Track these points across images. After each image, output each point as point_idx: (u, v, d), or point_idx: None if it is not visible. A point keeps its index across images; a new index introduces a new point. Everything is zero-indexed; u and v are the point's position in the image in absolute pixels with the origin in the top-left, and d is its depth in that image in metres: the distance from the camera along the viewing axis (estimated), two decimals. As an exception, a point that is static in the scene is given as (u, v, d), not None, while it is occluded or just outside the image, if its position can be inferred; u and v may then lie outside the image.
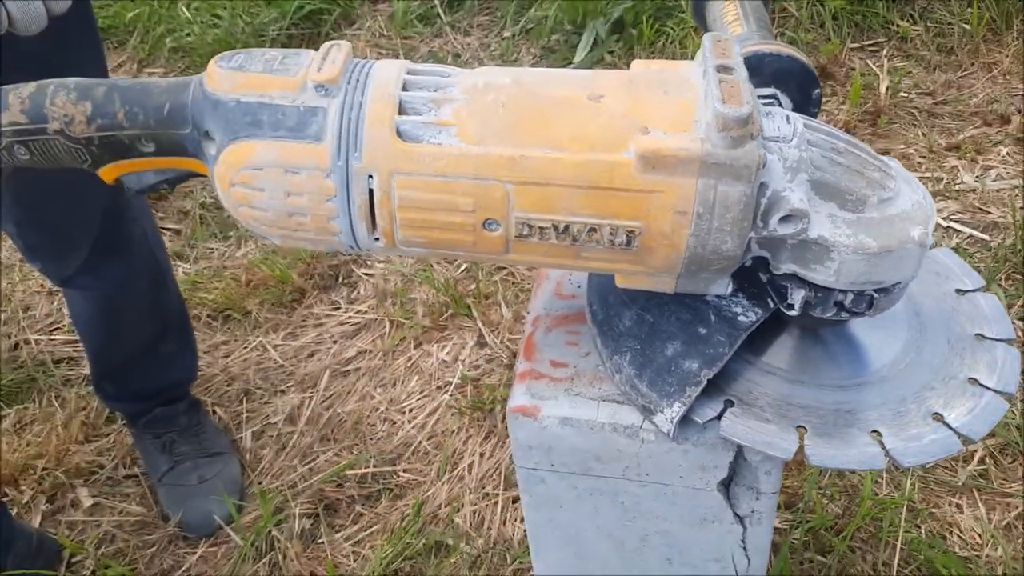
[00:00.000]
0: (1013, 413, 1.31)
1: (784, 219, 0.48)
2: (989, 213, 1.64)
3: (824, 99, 1.92)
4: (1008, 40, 1.95)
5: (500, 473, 1.31)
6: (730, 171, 0.46)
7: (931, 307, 0.59)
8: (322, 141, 0.48)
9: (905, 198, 0.50)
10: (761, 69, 0.56)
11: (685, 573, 0.62)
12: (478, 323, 1.55)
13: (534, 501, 0.61)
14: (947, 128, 1.82)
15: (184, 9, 2.48)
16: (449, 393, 1.45)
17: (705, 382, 0.51)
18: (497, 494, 1.27)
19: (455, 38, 2.30)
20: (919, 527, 1.18)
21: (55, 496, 1.39)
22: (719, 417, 0.52)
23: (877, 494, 1.20)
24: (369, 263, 1.73)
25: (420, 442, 1.38)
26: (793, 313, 0.52)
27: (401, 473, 1.34)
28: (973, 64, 1.94)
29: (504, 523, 1.24)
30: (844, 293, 0.51)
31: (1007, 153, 1.74)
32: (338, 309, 1.64)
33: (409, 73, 0.50)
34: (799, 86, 0.56)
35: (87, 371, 1.55)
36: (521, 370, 0.58)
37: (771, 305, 0.53)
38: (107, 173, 0.54)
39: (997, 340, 0.56)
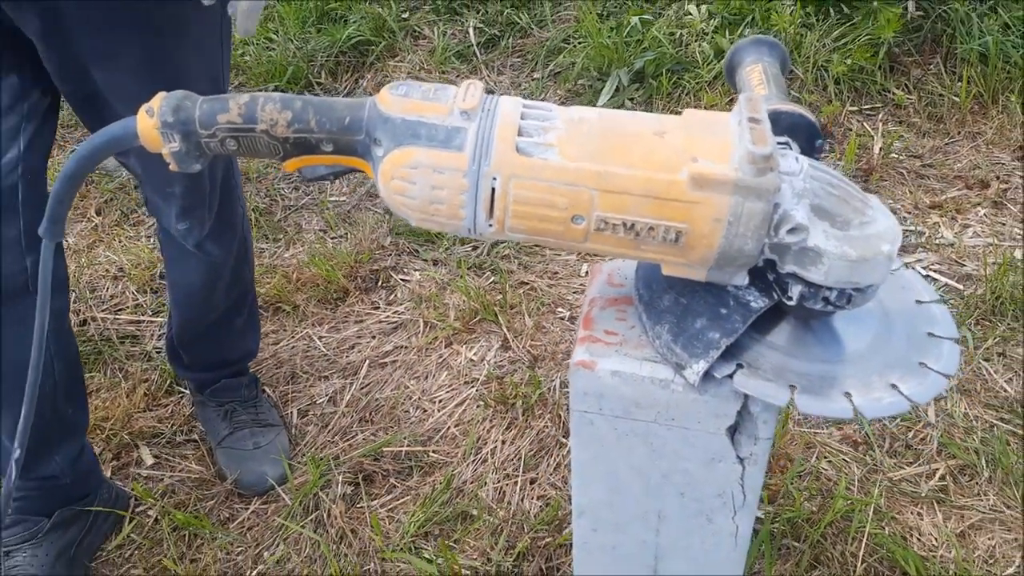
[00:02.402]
0: (973, 438, 1.49)
1: (790, 231, 0.66)
2: (964, 266, 1.84)
3: (824, 152, 2.12)
4: (993, 114, 2.16)
5: (520, 458, 1.48)
6: (755, 192, 0.64)
7: (896, 311, 0.78)
8: (463, 151, 0.66)
9: (880, 223, 0.69)
10: (778, 122, 0.74)
11: (695, 505, 0.80)
12: (503, 329, 1.73)
13: (582, 441, 0.79)
14: (932, 188, 2.02)
15: (241, 29, 2.69)
16: (475, 388, 1.63)
17: (724, 348, 0.69)
18: (517, 475, 1.45)
19: (488, 76, 2.51)
20: (884, 528, 1.35)
21: (120, 454, 1.56)
22: (732, 376, 0.70)
23: (849, 498, 1.38)
24: (407, 271, 1.91)
25: (449, 428, 1.56)
26: (791, 303, 0.71)
27: (431, 453, 1.52)
28: (960, 133, 2.15)
29: (523, 500, 1.41)
30: (830, 290, 0.69)
31: (984, 214, 1.94)
32: (377, 308, 1.82)
33: (524, 107, 0.69)
34: (806, 137, 0.75)
35: (150, 347, 1.73)
36: (581, 336, 0.77)
37: (775, 297, 0.72)
38: (291, 165, 0.72)
39: (944, 338, 0.75)
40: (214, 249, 1.32)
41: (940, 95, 2.22)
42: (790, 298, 0.71)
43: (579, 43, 2.45)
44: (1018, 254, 1.81)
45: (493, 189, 0.67)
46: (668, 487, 0.80)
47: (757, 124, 0.66)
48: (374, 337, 1.76)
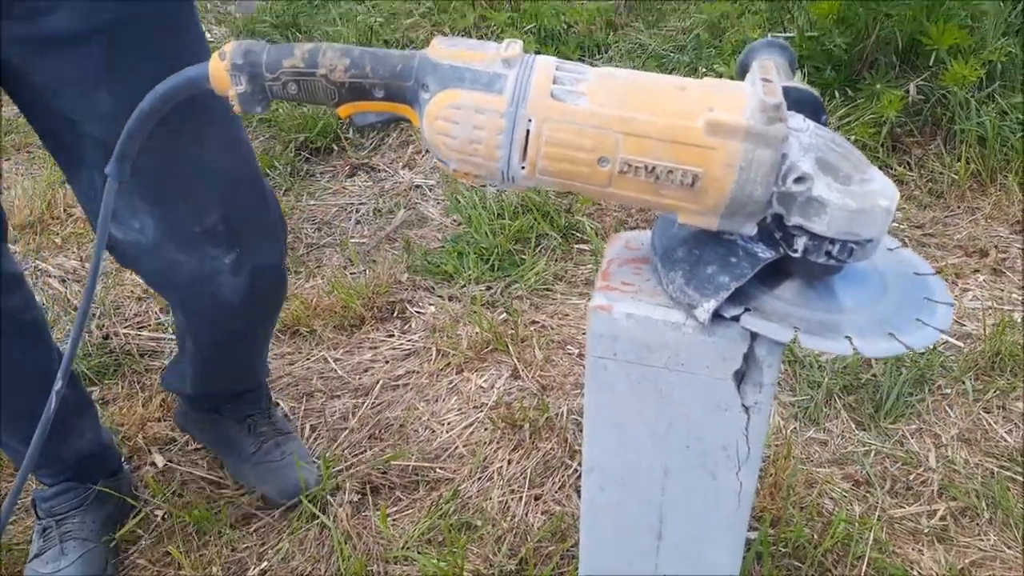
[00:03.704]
0: (973, 483, 1.51)
1: (797, 180, 0.73)
2: (964, 326, 1.89)
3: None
4: (991, 191, 2.26)
5: (526, 477, 1.50)
6: (764, 140, 0.71)
7: (894, 280, 0.83)
8: (503, 94, 0.74)
9: (878, 182, 0.76)
10: (787, 97, 0.82)
11: (699, 459, 0.84)
12: (514, 359, 1.77)
13: (595, 387, 0.83)
14: (932, 255, 2.10)
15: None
16: (484, 412, 1.66)
17: (732, 289, 0.75)
18: (522, 491, 1.47)
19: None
20: (885, 556, 1.36)
21: (132, 458, 1.58)
22: (739, 317, 0.75)
23: (850, 520, 1.40)
24: (422, 305, 1.97)
25: (456, 447, 1.59)
26: (796, 255, 0.76)
27: (438, 469, 1.54)
28: (959, 207, 2.24)
29: (527, 514, 1.43)
30: (832, 243, 0.75)
31: (983, 280, 2.01)
32: (392, 336, 1.87)
33: (559, 63, 0.77)
34: (812, 112, 0.83)
35: (169, 361, 1.78)
36: (599, 285, 0.82)
37: (781, 251, 0.78)
38: (344, 110, 0.80)
39: (939, 303, 0.80)
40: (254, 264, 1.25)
41: (940, 173, 2.32)
42: (795, 250, 0.76)
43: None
44: (1017, 316, 1.86)
45: (528, 131, 0.75)
46: (674, 438, 0.84)
47: (768, 82, 0.74)
48: (387, 362, 1.80)
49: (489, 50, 0.76)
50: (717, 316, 0.76)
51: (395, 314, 1.94)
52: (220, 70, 0.80)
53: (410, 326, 1.91)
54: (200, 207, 1.13)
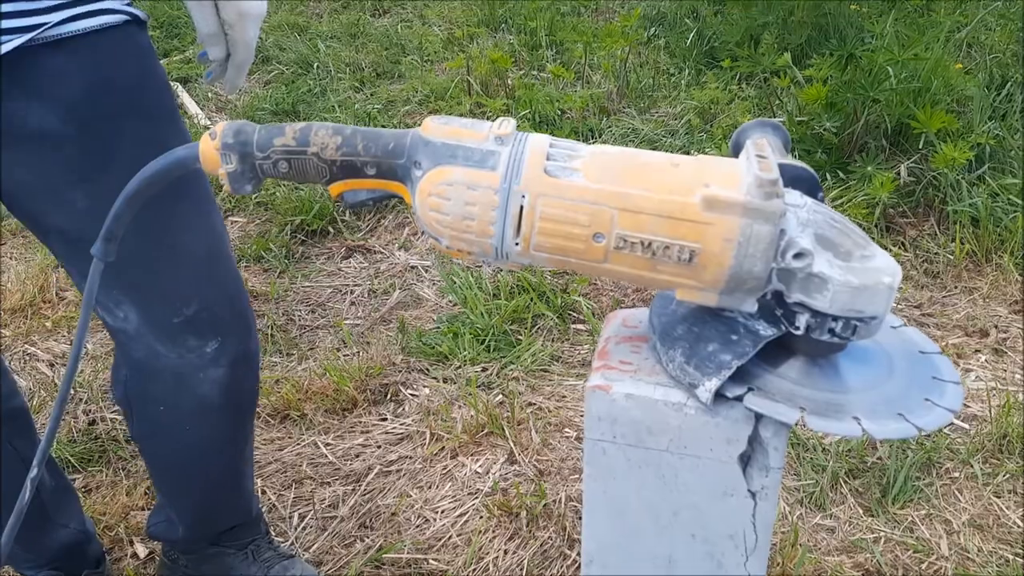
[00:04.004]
0: (988, 571, 1.45)
1: (796, 256, 0.71)
2: (969, 407, 1.85)
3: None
4: (987, 271, 2.25)
5: (523, 568, 1.44)
6: (762, 215, 0.70)
7: (900, 359, 0.81)
8: (496, 170, 0.73)
9: (880, 259, 0.74)
10: (782, 174, 0.81)
11: (706, 548, 0.79)
12: (510, 443, 1.73)
13: (594, 472, 0.79)
14: (932, 335, 2.07)
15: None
16: (479, 499, 1.61)
17: (735, 367, 0.72)
18: (519, 582, 1.41)
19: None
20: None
21: (113, 548, 1.52)
22: (743, 397, 0.72)
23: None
24: (416, 387, 1.94)
25: (451, 536, 1.53)
26: (799, 332, 0.74)
27: (431, 561, 1.48)
28: (956, 287, 2.23)
29: (524, 607, 1.36)
30: (835, 321, 0.73)
31: (985, 360, 1.98)
32: (385, 420, 1.83)
33: (552, 140, 0.76)
34: (807, 189, 0.82)
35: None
36: (597, 365, 0.79)
37: (783, 328, 0.76)
38: (335, 188, 0.79)
39: (948, 382, 0.78)
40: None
41: (935, 253, 2.32)
42: (797, 328, 0.74)
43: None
44: (1022, 397, 1.83)
45: (522, 207, 0.73)
46: (679, 527, 0.80)
47: (763, 158, 0.73)
48: (379, 446, 1.75)
49: (482, 128, 0.76)
50: (720, 396, 0.73)
51: (388, 396, 1.90)
52: (210, 150, 0.79)
53: (403, 409, 1.87)
54: (179, 297, 1.10)
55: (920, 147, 2.39)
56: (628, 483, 0.79)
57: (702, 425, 0.75)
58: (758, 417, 0.74)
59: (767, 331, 0.76)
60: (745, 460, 0.76)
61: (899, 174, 2.39)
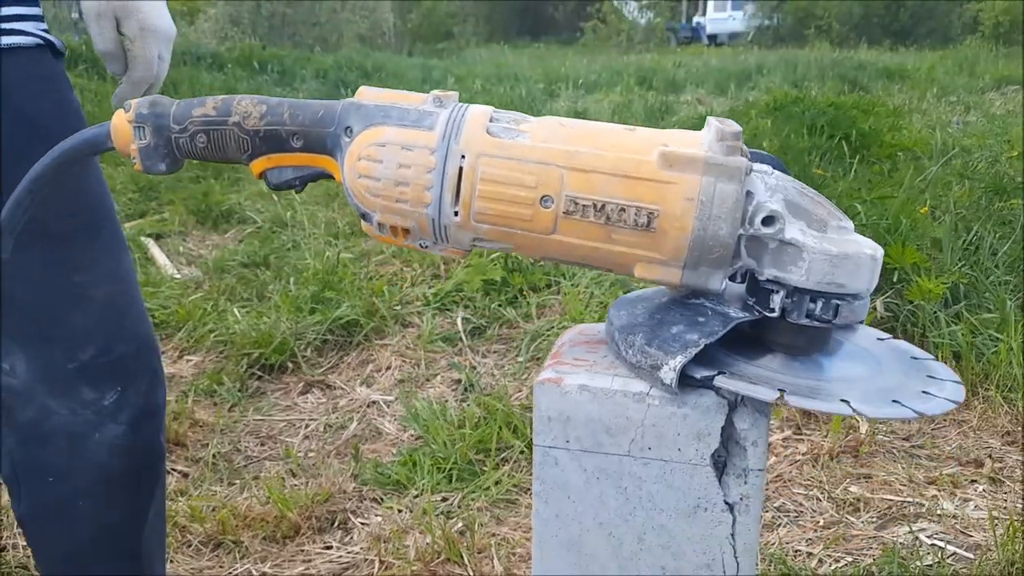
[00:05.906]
0: None
1: (765, 220, 0.64)
2: (971, 536, 1.70)
3: (808, 430, 2.08)
4: (975, 404, 2.16)
5: None
6: (725, 172, 0.63)
7: (892, 361, 0.72)
8: (433, 130, 0.66)
9: (856, 234, 0.67)
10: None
11: (680, 584, 0.65)
12: (469, 571, 1.54)
13: (545, 490, 0.67)
14: (924, 466, 1.95)
15: (236, 311, 2.78)
16: (432, 631, 1.41)
17: (703, 345, 0.62)
18: None
19: (473, 357, 2.55)
20: None
21: None
22: (713, 379, 0.62)
23: None
24: (367, 515, 1.76)
25: (396, 670, 1.32)
26: (774, 315, 0.65)
27: None
28: (945, 419, 2.13)
29: None
30: (814, 301, 0.65)
31: (983, 490, 1.85)
32: (329, 548, 1.64)
33: (495, 111, 0.70)
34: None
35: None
36: (548, 364, 0.69)
37: (756, 313, 0.67)
38: (258, 165, 0.72)
39: (947, 380, 0.68)
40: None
41: (918, 388, 2.23)
42: (772, 309, 0.65)
43: (562, 328, 2.52)
44: (1026, 525, 1.68)
45: (461, 168, 0.66)
46: (646, 558, 0.66)
47: (724, 123, 0.67)
48: None
49: (421, 95, 0.70)
50: (687, 380, 0.63)
51: (335, 524, 1.72)
52: (123, 123, 0.72)
53: (352, 537, 1.68)
54: (74, 339, 0.99)
55: (894, 282, 2.37)
56: (584, 503, 0.66)
57: (668, 418, 0.64)
58: (732, 407, 0.64)
59: (739, 314, 0.67)
60: (720, 466, 0.65)
61: (875, 308, 2.36)
